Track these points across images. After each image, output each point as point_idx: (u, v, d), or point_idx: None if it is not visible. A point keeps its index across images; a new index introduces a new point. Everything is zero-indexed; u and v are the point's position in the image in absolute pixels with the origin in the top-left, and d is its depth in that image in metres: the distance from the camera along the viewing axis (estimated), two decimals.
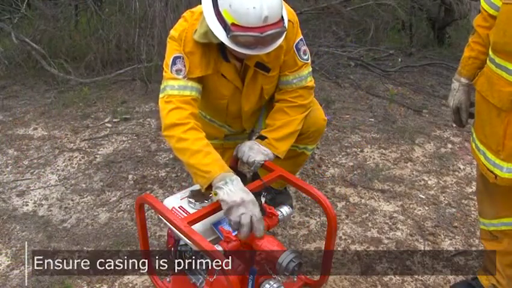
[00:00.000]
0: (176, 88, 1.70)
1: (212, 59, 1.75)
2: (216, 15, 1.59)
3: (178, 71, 1.71)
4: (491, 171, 1.53)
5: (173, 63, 1.72)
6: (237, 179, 1.53)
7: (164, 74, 1.75)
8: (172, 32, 1.76)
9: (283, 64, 1.85)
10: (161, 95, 1.73)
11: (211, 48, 1.74)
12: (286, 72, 1.88)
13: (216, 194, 1.51)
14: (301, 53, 1.88)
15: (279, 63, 1.84)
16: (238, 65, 1.81)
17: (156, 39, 3.67)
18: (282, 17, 1.60)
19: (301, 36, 1.88)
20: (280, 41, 1.65)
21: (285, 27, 1.61)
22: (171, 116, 1.65)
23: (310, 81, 1.93)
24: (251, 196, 1.50)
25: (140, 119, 3.39)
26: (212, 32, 1.61)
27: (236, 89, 1.87)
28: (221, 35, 1.59)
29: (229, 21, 1.55)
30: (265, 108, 2.05)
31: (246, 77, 1.83)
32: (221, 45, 1.68)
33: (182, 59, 1.71)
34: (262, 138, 1.85)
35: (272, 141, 1.83)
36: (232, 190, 1.48)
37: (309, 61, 1.93)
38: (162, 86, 1.74)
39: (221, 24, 1.58)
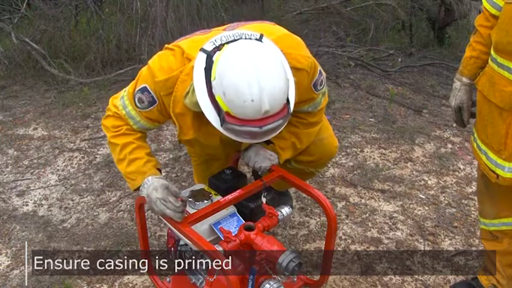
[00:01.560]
0: (126, 111, 1.65)
1: (205, 119, 1.47)
2: (209, 96, 1.37)
3: (140, 100, 1.60)
4: (493, 171, 1.53)
5: (141, 90, 1.59)
6: (147, 181, 1.55)
7: (128, 88, 1.66)
8: (156, 69, 1.56)
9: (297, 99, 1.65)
10: (118, 96, 1.70)
11: None
12: (300, 105, 1.71)
13: None
14: (318, 85, 1.72)
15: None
16: None
17: (157, 39, 3.66)
18: (288, 99, 1.37)
19: (319, 71, 1.70)
20: (284, 126, 1.41)
21: (290, 114, 1.39)
22: (108, 120, 1.70)
23: (324, 102, 1.81)
24: (155, 184, 1.52)
25: None
26: None
27: None
28: (214, 120, 1.38)
29: (223, 108, 1.33)
30: None
31: None
32: None
33: (151, 96, 1.58)
34: (267, 142, 1.77)
35: (278, 148, 1.78)
36: (147, 194, 1.53)
37: (325, 86, 1.77)
38: (123, 94, 1.67)
39: (215, 109, 1.36)
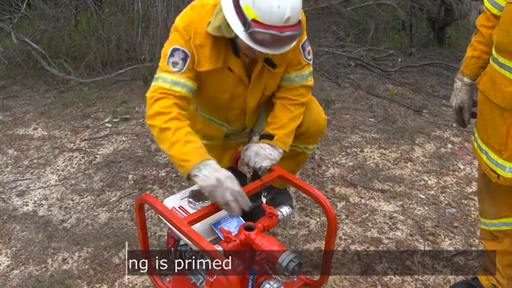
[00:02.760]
0: (168, 81, 1.69)
1: (222, 52, 1.73)
2: (234, 8, 1.57)
3: (174, 64, 1.69)
4: (494, 171, 1.53)
5: (171, 54, 1.70)
6: (212, 162, 1.54)
7: (160, 63, 1.73)
8: (178, 22, 1.73)
9: (288, 62, 1.86)
10: (152, 84, 1.72)
11: (221, 42, 1.71)
12: (288, 70, 1.88)
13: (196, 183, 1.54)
14: (306, 52, 1.89)
15: (286, 61, 1.84)
16: (246, 59, 1.79)
17: (158, 39, 3.66)
18: (299, 20, 1.60)
19: (306, 37, 1.88)
20: (294, 43, 1.67)
21: (302, 30, 1.61)
22: (156, 104, 1.66)
23: (310, 81, 1.95)
24: (226, 173, 1.52)
25: (140, 119, 3.39)
26: (227, 26, 1.60)
27: (241, 84, 1.84)
28: (239, 29, 1.57)
29: (249, 16, 1.53)
30: (265, 106, 2.04)
31: (253, 71, 1.82)
32: (232, 39, 1.68)
33: (181, 51, 1.69)
34: (269, 137, 1.84)
35: (283, 136, 1.84)
36: (207, 174, 1.51)
37: (312, 62, 1.95)
38: (156, 76, 1.73)
39: (240, 20, 1.57)
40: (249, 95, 1.89)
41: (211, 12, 1.69)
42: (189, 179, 1.56)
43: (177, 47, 1.70)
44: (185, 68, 1.69)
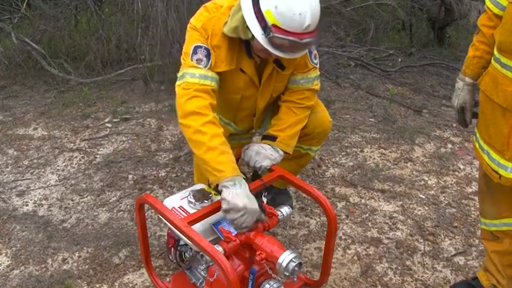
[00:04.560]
0: (197, 76, 1.68)
1: (235, 53, 1.75)
2: (255, 13, 1.58)
3: (198, 61, 1.69)
4: (496, 171, 1.53)
5: (194, 52, 1.70)
6: (245, 184, 1.53)
7: (183, 62, 1.73)
8: (193, 22, 1.74)
9: (296, 65, 1.87)
10: (179, 82, 1.71)
11: (235, 43, 1.73)
12: (295, 72, 1.90)
13: (220, 191, 1.53)
14: (313, 56, 1.92)
15: (294, 64, 1.85)
16: (258, 60, 1.80)
17: (158, 39, 3.65)
18: (317, 26, 1.61)
19: None
20: (313, 45, 1.72)
21: (317, 38, 1.64)
22: (190, 103, 1.63)
23: (316, 85, 1.97)
24: (255, 205, 1.50)
25: (140, 119, 3.39)
26: (244, 28, 1.61)
27: (252, 85, 1.85)
28: (258, 33, 1.58)
29: (270, 22, 1.54)
30: (271, 108, 2.05)
31: (263, 72, 1.83)
32: (246, 40, 1.68)
33: (204, 48, 1.70)
34: (271, 138, 1.85)
35: (286, 138, 1.86)
36: (238, 193, 1.48)
37: (318, 66, 1.96)
38: (180, 74, 1.72)
39: (260, 24, 1.57)
40: (259, 96, 1.90)
41: (226, 13, 1.70)
42: (216, 187, 1.58)
43: (199, 44, 1.70)
44: (209, 64, 1.70)
